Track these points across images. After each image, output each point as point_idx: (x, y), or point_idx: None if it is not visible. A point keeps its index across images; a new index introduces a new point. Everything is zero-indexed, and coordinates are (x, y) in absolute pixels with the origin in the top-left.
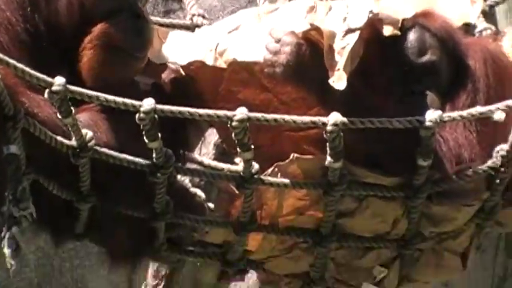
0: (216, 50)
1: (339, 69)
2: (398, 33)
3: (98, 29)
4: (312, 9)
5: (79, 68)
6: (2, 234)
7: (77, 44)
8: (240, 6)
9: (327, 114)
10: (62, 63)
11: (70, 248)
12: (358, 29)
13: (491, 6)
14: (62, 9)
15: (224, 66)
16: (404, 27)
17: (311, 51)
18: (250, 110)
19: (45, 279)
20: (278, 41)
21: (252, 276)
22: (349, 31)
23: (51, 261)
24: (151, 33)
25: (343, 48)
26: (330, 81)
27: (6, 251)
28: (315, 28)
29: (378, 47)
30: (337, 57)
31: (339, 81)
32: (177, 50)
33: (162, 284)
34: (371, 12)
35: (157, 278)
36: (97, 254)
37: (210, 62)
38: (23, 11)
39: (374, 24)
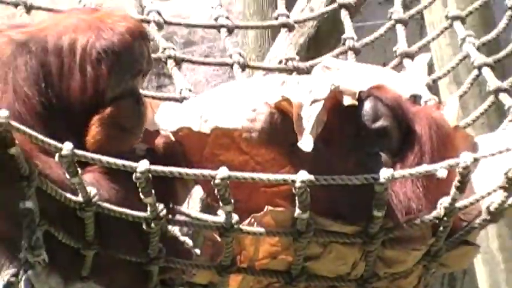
0: (201, 117)
1: (306, 134)
2: (356, 103)
3: (108, 110)
4: (283, 83)
5: (85, 138)
6: (20, 277)
7: (84, 118)
8: (222, 81)
9: (296, 172)
10: (69, 132)
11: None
12: (321, 99)
13: (434, 80)
14: (74, 88)
15: (208, 132)
16: (361, 98)
17: (282, 119)
18: (230, 170)
19: None
20: (254, 110)
21: None
22: (315, 101)
23: None
24: (146, 115)
25: (309, 116)
26: (299, 144)
27: None
28: (286, 99)
29: (339, 114)
30: (304, 123)
31: (306, 144)
32: (167, 118)
33: None
34: (333, 85)
35: None
36: None
37: (196, 128)
38: (38, 87)
39: (335, 95)
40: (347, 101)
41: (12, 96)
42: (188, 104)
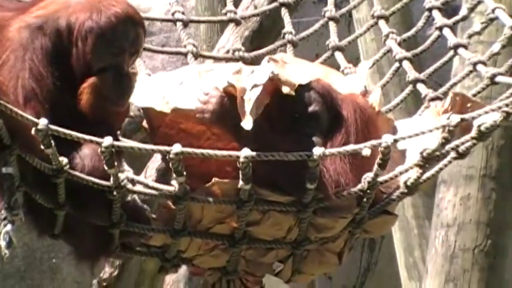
0: (163, 99)
1: (247, 115)
2: (293, 93)
3: (91, 80)
4: (239, 71)
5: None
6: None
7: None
8: (176, 67)
9: (241, 148)
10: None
11: (48, 244)
12: (261, 84)
13: None
14: (72, 62)
15: (168, 111)
16: (298, 89)
17: (230, 102)
18: (188, 138)
19: (29, 267)
20: (207, 94)
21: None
22: (255, 86)
23: (34, 254)
24: (132, 87)
25: (249, 99)
26: (242, 123)
27: (2, 243)
28: (231, 85)
29: (278, 99)
30: (246, 105)
31: (247, 123)
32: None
33: (116, 271)
34: (272, 72)
35: (112, 266)
36: (69, 250)
37: (158, 108)
38: (51, 66)
39: (276, 82)
40: (285, 90)
41: (28, 74)
42: (152, 81)
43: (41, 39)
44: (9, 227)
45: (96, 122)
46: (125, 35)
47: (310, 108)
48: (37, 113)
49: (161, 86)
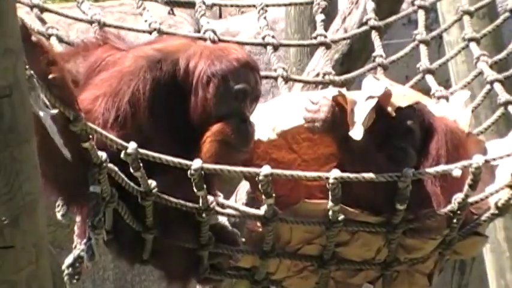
0: (273, 129)
1: (358, 124)
2: (394, 114)
3: (216, 127)
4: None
5: (200, 154)
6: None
7: (191, 134)
8: (265, 90)
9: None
10: (173, 144)
11: (139, 266)
12: (376, 97)
13: (452, 93)
14: (192, 111)
15: (276, 137)
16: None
17: (340, 112)
18: (279, 167)
19: None
20: (316, 103)
21: None
22: (370, 97)
23: (125, 276)
24: (254, 134)
25: (363, 109)
26: (350, 133)
27: (84, 256)
28: (342, 95)
29: (379, 116)
30: (356, 116)
31: (357, 133)
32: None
33: None
34: (387, 87)
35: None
36: (159, 273)
37: (265, 138)
38: (154, 102)
39: (386, 98)
40: (390, 109)
41: (128, 98)
42: (260, 114)
43: (156, 72)
44: (93, 240)
45: None
46: (247, 80)
47: (408, 123)
48: (123, 136)
49: (264, 116)
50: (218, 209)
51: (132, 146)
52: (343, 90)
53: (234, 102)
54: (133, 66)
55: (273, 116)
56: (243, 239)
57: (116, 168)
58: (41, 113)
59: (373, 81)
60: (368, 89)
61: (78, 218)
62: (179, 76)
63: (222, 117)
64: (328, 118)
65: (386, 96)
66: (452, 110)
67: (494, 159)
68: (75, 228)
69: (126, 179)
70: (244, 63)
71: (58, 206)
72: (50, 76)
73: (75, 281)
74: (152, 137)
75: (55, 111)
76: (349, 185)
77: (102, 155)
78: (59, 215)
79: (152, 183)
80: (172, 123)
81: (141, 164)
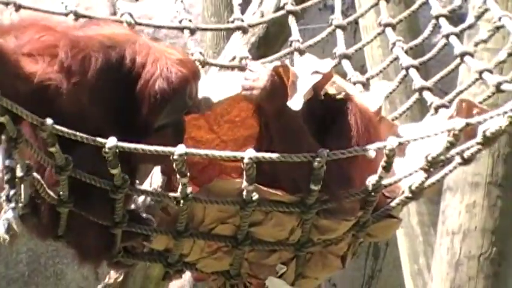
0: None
1: (298, 95)
2: (322, 97)
3: (151, 140)
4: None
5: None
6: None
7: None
8: None
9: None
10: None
11: (53, 249)
12: (322, 73)
13: (367, 78)
14: (130, 103)
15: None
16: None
17: (280, 81)
18: (198, 145)
19: (33, 272)
20: (256, 71)
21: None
22: (316, 72)
23: (39, 259)
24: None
25: (306, 82)
26: (289, 102)
27: (1, 229)
28: (284, 65)
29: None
30: (299, 87)
31: (296, 103)
32: None
33: (121, 277)
34: (334, 65)
35: (117, 272)
36: (72, 254)
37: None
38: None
39: (329, 78)
40: (331, 90)
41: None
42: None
43: (106, 55)
44: (9, 213)
45: None
46: (190, 96)
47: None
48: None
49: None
50: (132, 187)
51: (48, 121)
52: (286, 62)
53: (175, 116)
54: (87, 43)
55: (208, 88)
56: (156, 222)
57: (32, 141)
58: None
59: (317, 59)
60: (313, 64)
61: None
62: (124, 67)
63: (161, 127)
64: (267, 87)
65: (330, 75)
66: (374, 98)
67: (408, 142)
68: None
69: (42, 153)
70: (190, 78)
71: None
72: None
73: None
74: (90, 114)
75: None
76: (270, 163)
77: (18, 129)
78: None
79: (68, 157)
80: (113, 105)
81: (56, 140)
